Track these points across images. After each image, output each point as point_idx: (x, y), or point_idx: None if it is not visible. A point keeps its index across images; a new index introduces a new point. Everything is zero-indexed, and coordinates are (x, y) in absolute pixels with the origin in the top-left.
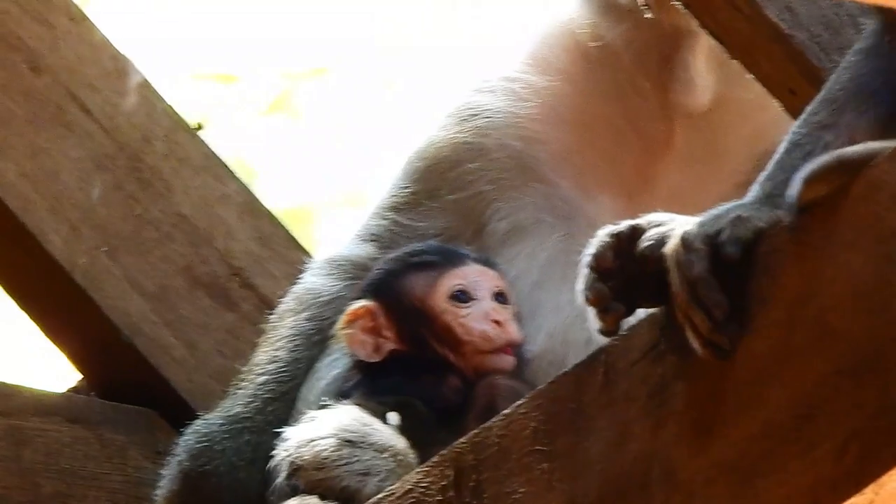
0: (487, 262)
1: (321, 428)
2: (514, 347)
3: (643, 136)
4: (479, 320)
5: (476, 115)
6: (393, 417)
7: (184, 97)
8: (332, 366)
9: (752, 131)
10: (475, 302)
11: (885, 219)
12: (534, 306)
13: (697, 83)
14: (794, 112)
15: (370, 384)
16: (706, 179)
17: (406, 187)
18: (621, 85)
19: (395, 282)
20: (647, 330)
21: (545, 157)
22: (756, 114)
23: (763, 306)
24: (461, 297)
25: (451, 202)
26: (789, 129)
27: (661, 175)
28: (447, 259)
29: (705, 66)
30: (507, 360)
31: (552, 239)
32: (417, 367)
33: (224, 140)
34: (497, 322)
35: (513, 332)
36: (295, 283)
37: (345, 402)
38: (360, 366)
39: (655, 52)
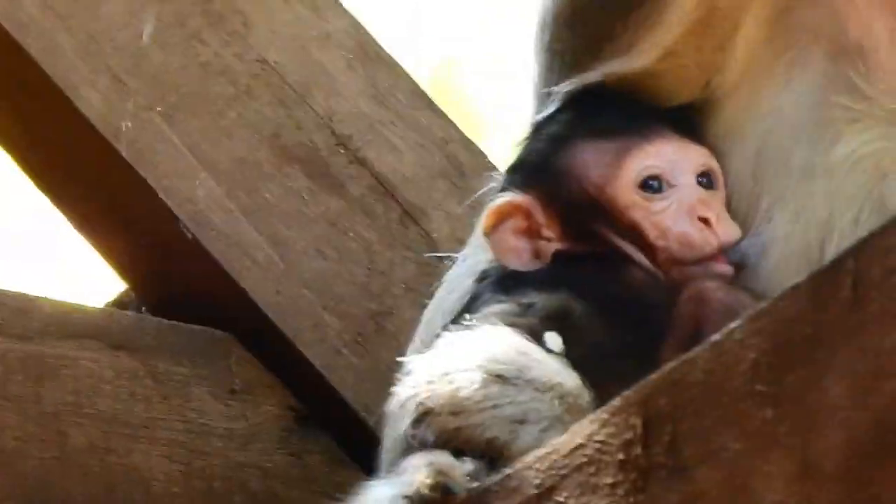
0: (689, 132)
1: (461, 357)
2: (727, 252)
3: None
4: (679, 219)
5: None
6: (553, 339)
7: None
8: (467, 275)
9: None
10: (673, 191)
11: None
12: (768, 174)
13: None
14: None
15: (519, 295)
16: None
17: None
18: None
19: (558, 162)
20: None
21: None
22: None
23: None
24: (654, 185)
25: None
26: None
27: None
28: (632, 128)
29: None
30: (720, 269)
31: (809, 57)
32: (590, 270)
33: None
34: (704, 220)
35: (726, 232)
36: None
37: (489, 320)
38: (504, 271)
39: None
